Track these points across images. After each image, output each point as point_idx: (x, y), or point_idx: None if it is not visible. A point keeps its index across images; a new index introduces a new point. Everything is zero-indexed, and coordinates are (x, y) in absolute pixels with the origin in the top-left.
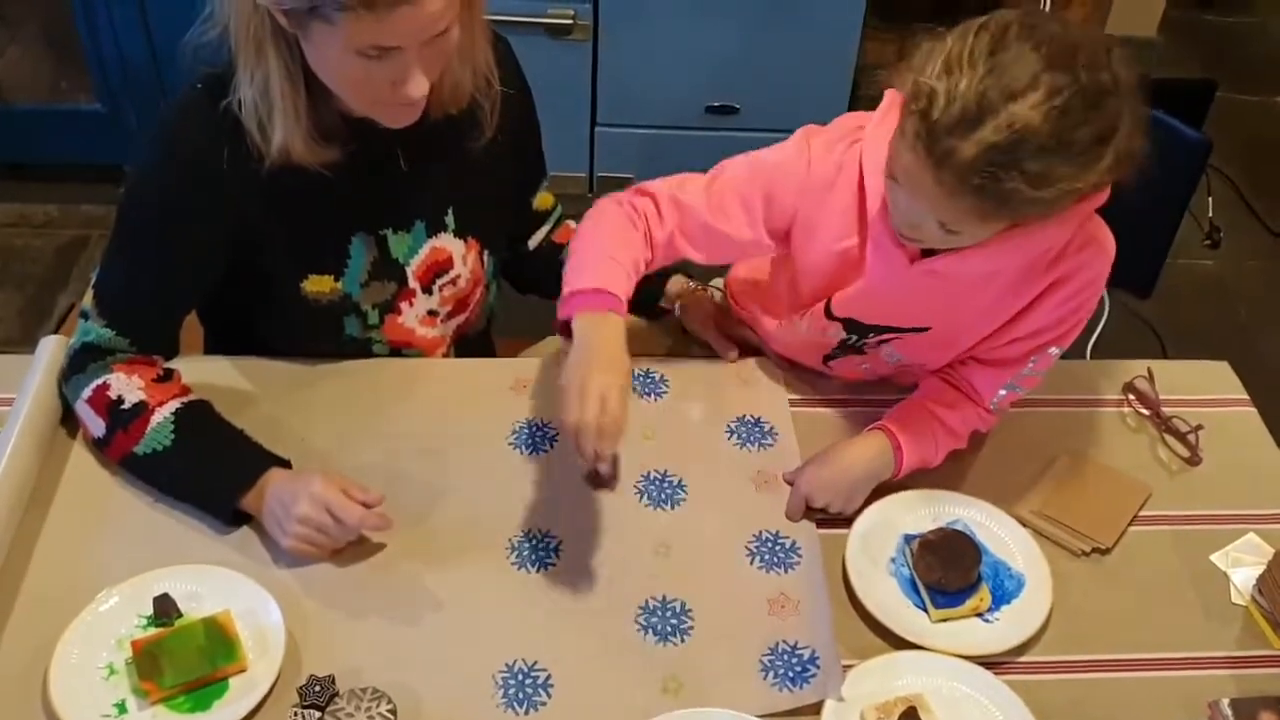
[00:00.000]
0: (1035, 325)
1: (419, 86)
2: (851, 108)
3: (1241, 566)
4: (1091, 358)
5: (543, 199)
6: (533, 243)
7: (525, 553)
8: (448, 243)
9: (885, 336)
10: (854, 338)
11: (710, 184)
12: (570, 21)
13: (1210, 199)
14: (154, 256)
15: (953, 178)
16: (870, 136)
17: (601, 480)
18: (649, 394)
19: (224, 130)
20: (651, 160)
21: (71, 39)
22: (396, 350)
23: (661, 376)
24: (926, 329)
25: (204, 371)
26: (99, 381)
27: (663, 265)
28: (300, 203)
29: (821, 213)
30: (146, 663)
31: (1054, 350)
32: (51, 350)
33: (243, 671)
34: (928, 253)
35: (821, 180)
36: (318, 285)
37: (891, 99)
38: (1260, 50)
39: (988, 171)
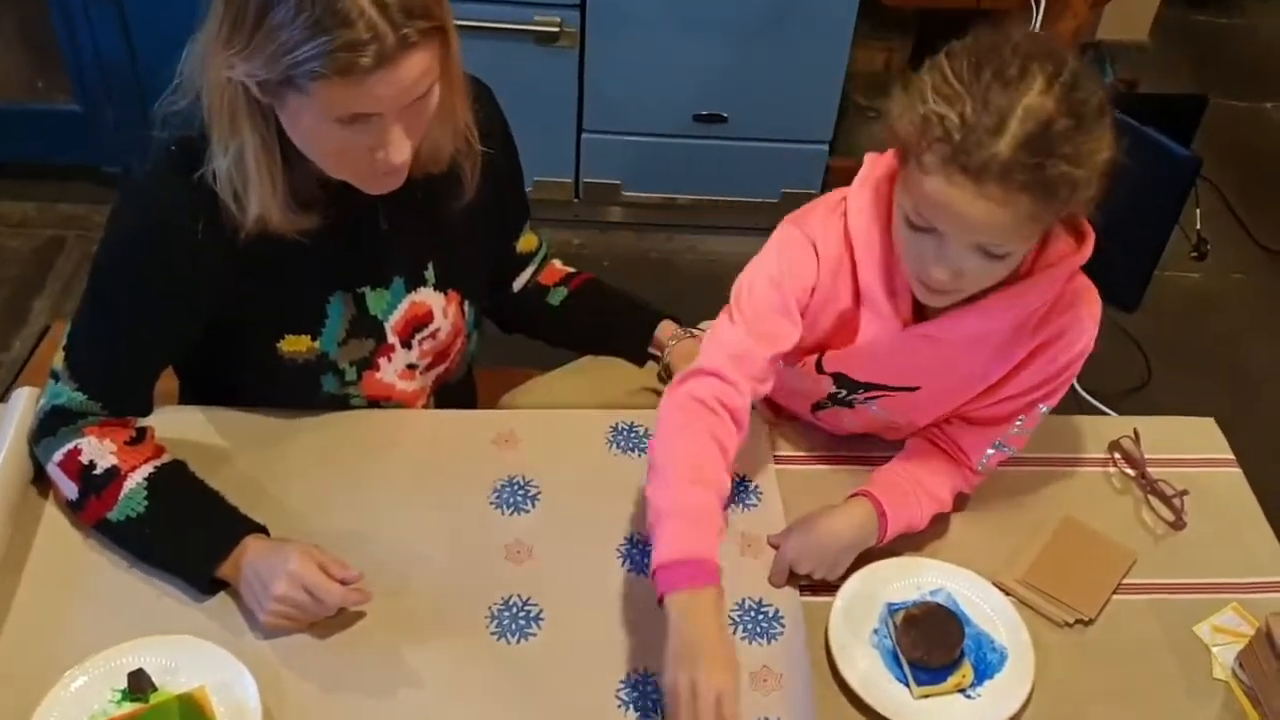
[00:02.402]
0: (1023, 385)
1: (400, 152)
2: (841, 117)
3: (1223, 639)
4: (1077, 379)
5: (526, 241)
6: (517, 285)
7: (505, 621)
8: (427, 297)
9: (874, 394)
10: (843, 392)
11: (747, 321)
12: (557, 29)
13: (1198, 211)
14: (127, 322)
15: (998, 185)
16: (854, 206)
17: None
18: (632, 449)
19: (198, 198)
20: (638, 168)
21: (48, 38)
22: (375, 403)
23: (646, 431)
24: (916, 389)
25: (179, 424)
26: (70, 446)
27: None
28: (277, 267)
29: (834, 287)
30: None
31: (1042, 408)
32: (23, 405)
33: None
34: (920, 317)
35: (831, 257)
36: (294, 345)
37: (870, 164)
38: (1250, 54)
39: (1032, 164)
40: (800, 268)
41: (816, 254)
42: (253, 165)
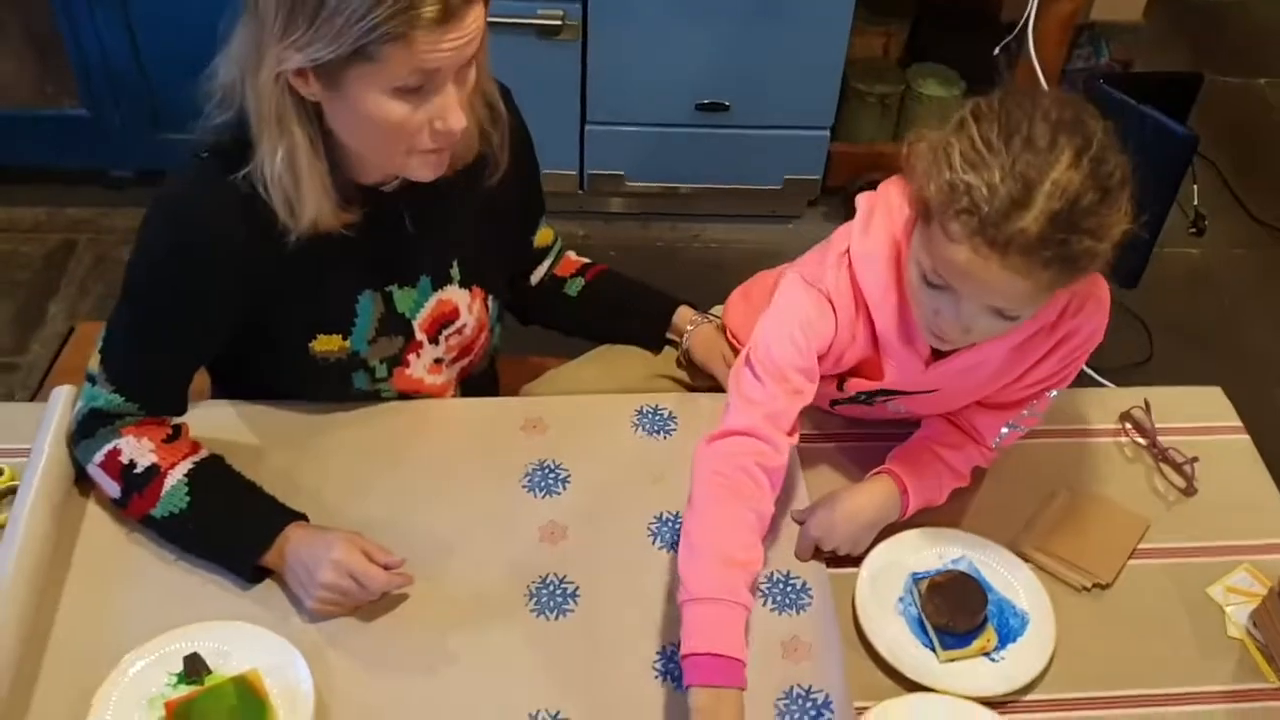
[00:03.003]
0: (1038, 377)
1: (458, 118)
2: (841, 102)
3: (1236, 599)
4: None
5: (542, 235)
6: (535, 278)
7: (544, 599)
8: (453, 294)
9: (893, 397)
10: (863, 395)
11: (775, 380)
12: (559, 22)
13: (1195, 187)
14: (162, 326)
15: (1022, 258)
16: (859, 254)
17: None
18: (657, 432)
19: (235, 205)
20: (642, 158)
21: (54, 43)
22: (405, 397)
23: (670, 413)
24: (934, 391)
25: (212, 420)
26: (110, 447)
27: None
28: (309, 269)
29: (847, 338)
30: None
31: (1053, 392)
32: (63, 404)
33: None
34: (939, 354)
35: (847, 316)
36: (326, 344)
37: (870, 204)
38: (1242, 31)
39: (1057, 239)
40: (820, 326)
41: (834, 311)
42: (305, 163)
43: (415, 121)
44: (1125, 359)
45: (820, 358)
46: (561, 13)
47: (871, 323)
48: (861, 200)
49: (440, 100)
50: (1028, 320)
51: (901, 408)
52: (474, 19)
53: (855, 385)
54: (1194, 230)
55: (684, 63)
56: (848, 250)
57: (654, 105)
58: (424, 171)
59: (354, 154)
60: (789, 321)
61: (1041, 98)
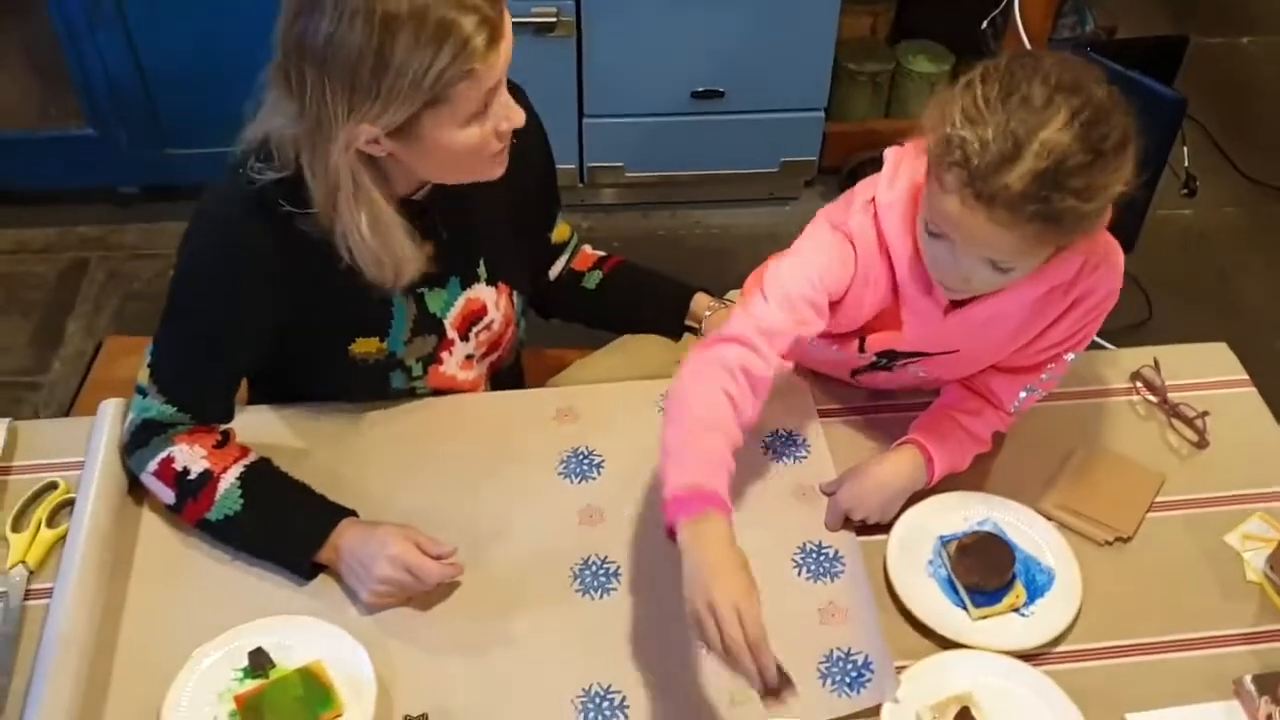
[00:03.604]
0: (1055, 339)
1: (519, 113)
2: (834, 84)
3: (1253, 545)
4: None
5: (560, 231)
6: (553, 273)
7: (588, 579)
8: (480, 292)
9: (914, 359)
10: (884, 360)
11: (781, 303)
12: (554, 19)
13: (1185, 149)
14: (209, 339)
15: (1007, 212)
16: (884, 203)
17: (775, 692)
18: None
19: (280, 234)
20: (640, 148)
21: (58, 64)
22: (438, 394)
23: None
24: (955, 351)
25: (256, 425)
26: (164, 455)
27: None
28: (345, 279)
29: (865, 285)
30: (251, 716)
31: (1069, 356)
32: (111, 416)
33: (340, 717)
34: (957, 302)
35: (867, 260)
36: (365, 347)
37: (897, 157)
38: None
39: (1040, 196)
40: (839, 268)
41: (855, 253)
42: (388, 221)
43: (487, 135)
44: (1125, 320)
45: (837, 303)
46: (556, 10)
47: (893, 270)
48: (889, 154)
49: (501, 104)
50: (1036, 277)
51: (921, 371)
52: (508, 23)
53: (876, 343)
54: (1186, 191)
55: (677, 53)
56: (873, 199)
57: (650, 96)
58: (495, 170)
59: (393, 174)
60: (808, 255)
61: (1045, 59)
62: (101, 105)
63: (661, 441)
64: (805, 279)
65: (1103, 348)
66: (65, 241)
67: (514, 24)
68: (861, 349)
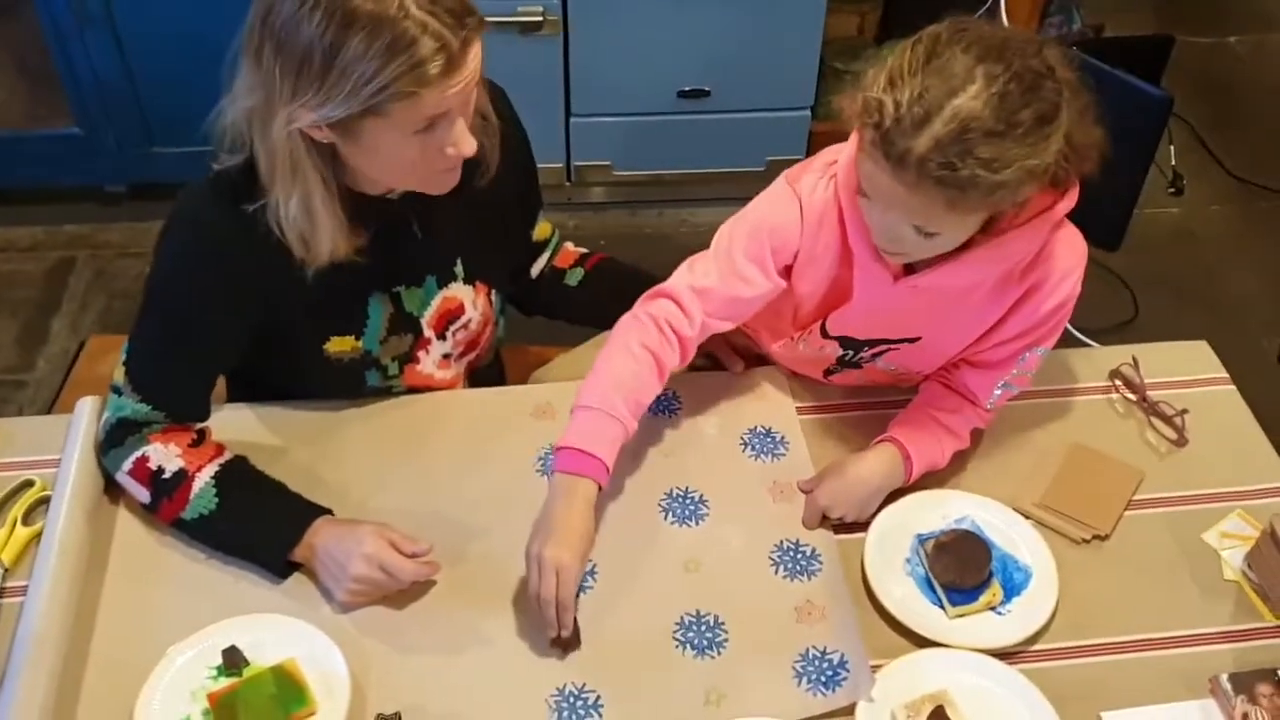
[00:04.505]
0: (1018, 329)
1: (469, 143)
2: (820, 83)
3: (1230, 543)
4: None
5: (541, 229)
6: (535, 270)
7: None
8: (458, 291)
9: (879, 349)
10: (850, 353)
11: (719, 258)
12: (540, 18)
13: (1171, 147)
14: (184, 339)
15: (913, 174)
16: (842, 166)
17: (564, 644)
18: (663, 411)
19: (247, 231)
20: (627, 147)
21: (45, 64)
22: (415, 392)
23: (674, 393)
24: (917, 339)
25: (232, 423)
26: (138, 454)
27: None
28: (320, 279)
29: (817, 246)
30: (224, 714)
31: (1040, 350)
32: (88, 415)
33: (313, 715)
34: (910, 270)
35: (815, 218)
36: (339, 346)
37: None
38: None
39: (944, 162)
40: (783, 221)
41: (801, 210)
42: (320, 206)
43: (430, 153)
44: (1112, 319)
45: (789, 267)
46: (542, 9)
47: (846, 238)
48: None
49: (451, 130)
50: (985, 256)
51: (890, 365)
52: (474, 57)
53: (837, 323)
54: (1173, 190)
55: (664, 51)
56: (834, 162)
57: (636, 95)
58: (439, 188)
59: (363, 173)
60: (755, 213)
61: (981, 28)
62: (89, 105)
63: (579, 387)
64: (750, 237)
65: (1086, 345)
66: (52, 240)
67: (500, 23)
68: (824, 333)
